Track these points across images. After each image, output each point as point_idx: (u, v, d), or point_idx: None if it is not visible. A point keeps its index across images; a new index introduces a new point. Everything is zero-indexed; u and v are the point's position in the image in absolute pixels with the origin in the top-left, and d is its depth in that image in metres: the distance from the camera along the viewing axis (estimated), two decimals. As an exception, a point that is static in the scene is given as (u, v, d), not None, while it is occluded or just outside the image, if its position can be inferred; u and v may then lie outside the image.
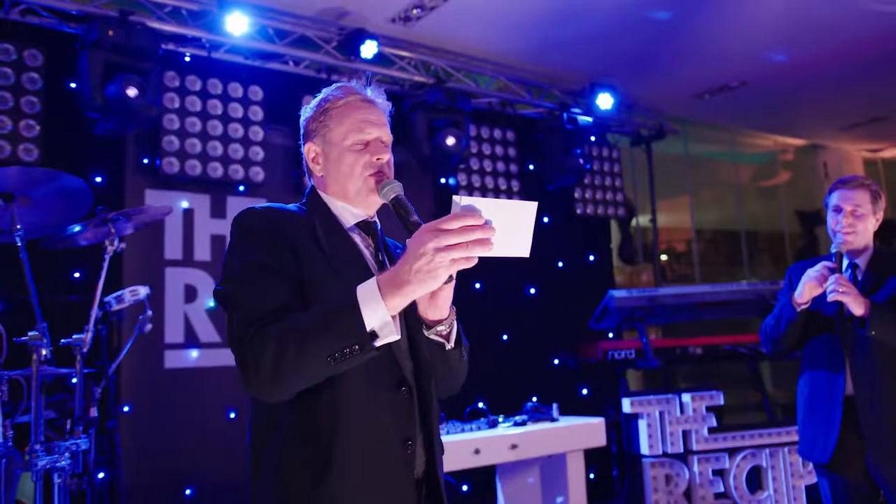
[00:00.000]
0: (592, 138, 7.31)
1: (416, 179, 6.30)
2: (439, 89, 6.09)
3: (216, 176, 5.26)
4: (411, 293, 1.53)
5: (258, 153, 5.45)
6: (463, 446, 4.16)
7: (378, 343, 1.56)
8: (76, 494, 3.78)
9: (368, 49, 5.65)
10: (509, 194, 6.75)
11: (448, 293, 1.70)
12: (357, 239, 1.88)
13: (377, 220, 1.94)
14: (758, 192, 10.33)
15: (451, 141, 5.97)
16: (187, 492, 4.92)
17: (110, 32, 4.64)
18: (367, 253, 1.88)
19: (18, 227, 3.15)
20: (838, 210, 3.22)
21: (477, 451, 4.16)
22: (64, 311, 4.11)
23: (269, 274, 1.70)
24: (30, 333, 3.09)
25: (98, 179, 4.86)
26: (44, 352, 3.14)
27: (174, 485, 4.88)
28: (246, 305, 1.66)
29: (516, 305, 6.67)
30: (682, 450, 5.03)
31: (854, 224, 3.19)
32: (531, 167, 6.99)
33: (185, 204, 5.27)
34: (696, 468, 5.01)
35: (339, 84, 1.98)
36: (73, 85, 4.83)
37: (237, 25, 5.17)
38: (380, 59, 5.88)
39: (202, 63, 5.36)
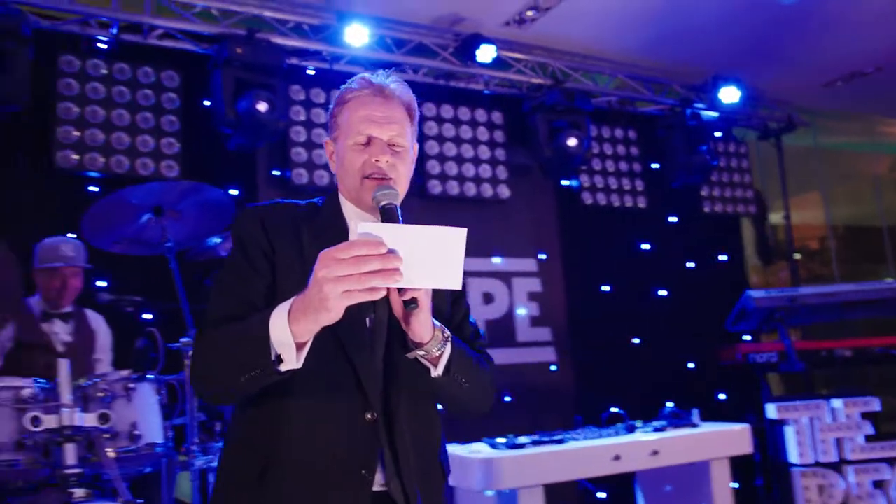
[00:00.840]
0: (718, 134, 7.03)
1: (538, 182, 6.22)
2: (558, 90, 5.99)
3: (342, 186, 5.33)
4: (314, 321, 1.44)
5: (382, 161, 5.50)
6: (601, 452, 4.03)
7: (282, 368, 1.49)
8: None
9: (485, 53, 5.62)
10: (633, 194, 6.57)
11: (420, 318, 1.55)
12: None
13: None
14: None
15: (572, 142, 5.86)
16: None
17: (238, 50, 4.80)
18: None
19: (169, 239, 3.26)
20: None
21: (617, 458, 4.02)
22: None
23: (236, 279, 1.69)
24: (182, 340, 3.20)
25: (234, 192, 5.02)
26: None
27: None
28: (211, 307, 1.69)
29: (646, 308, 6.47)
30: (836, 459, 4.72)
31: None
32: (654, 166, 6.78)
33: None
34: (852, 479, 4.69)
35: (359, 76, 1.87)
36: (206, 103, 5.02)
37: (356, 37, 5.25)
38: (497, 62, 5.83)
39: (325, 75, 5.47)
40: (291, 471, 1.64)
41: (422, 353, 1.61)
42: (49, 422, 2.69)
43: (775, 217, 7.68)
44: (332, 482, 1.64)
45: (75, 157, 4.54)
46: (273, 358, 1.48)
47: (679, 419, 4.58)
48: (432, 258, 1.43)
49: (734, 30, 6.00)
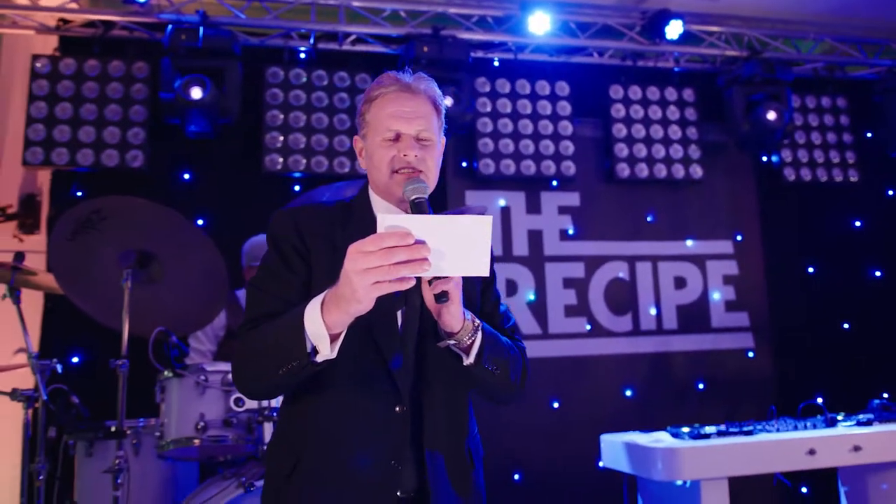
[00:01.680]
0: (945, 94, 6.33)
1: (734, 160, 5.97)
2: (755, 61, 5.68)
3: (529, 173, 5.45)
4: (346, 312, 1.49)
5: (568, 147, 5.55)
6: (795, 445, 3.84)
7: (318, 359, 1.55)
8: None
9: (674, 29, 5.45)
10: (843, 167, 6.09)
11: (452, 309, 1.61)
12: None
13: None
14: None
15: (772, 115, 5.54)
16: (516, 476, 5.16)
17: (425, 49, 5.03)
18: None
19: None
20: None
21: (812, 452, 3.82)
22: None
23: (274, 279, 1.76)
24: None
25: (423, 185, 5.28)
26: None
27: (501, 471, 5.14)
28: (249, 307, 1.78)
29: (859, 290, 6.02)
30: None
31: None
32: (869, 135, 6.24)
33: (502, 202, 5.52)
34: None
35: (385, 74, 1.91)
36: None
37: (540, 24, 5.30)
38: (686, 37, 5.63)
39: (510, 66, 5.59)
40: (320, 467, 1.72)
41: (453, 342, 1.67)
42: (250, 403, 3.04)
43: None
44: (361, 475, 1.70)
45: (281, 160, 5.00)
46: (309, 349, 1.55)
47: (889, 412, 4.25)
48: (459, 247, 1.46)
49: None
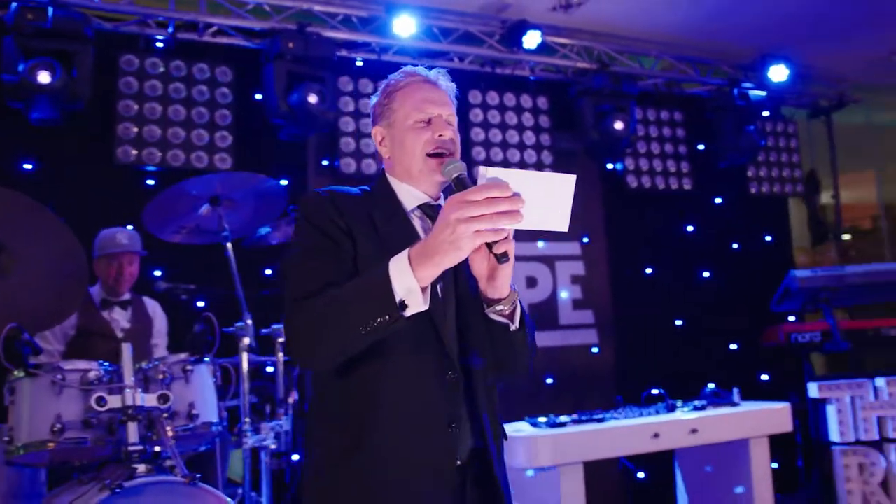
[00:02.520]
0: (766, 113, 7.00)
1: (583, 167, 6.30)
2: (603, 74, 6.06)
3: (391, 173, 5.51)
4: (439, 263, 1.53)
5: (428, 149, 5.65)
6: (641, 430, 4.15)
7: (407, 313, 1.56)
8: (276, 473, 4.13)
9: (531, 39, 5.70)
10: (678, 176, 6.60)
11: (506, 272, 1.68)
12: (417, 223, 1.87)
13: (442, 203, 1.85)
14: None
15: (619, 125, 5.92)
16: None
17: (290, 45, 4.99)
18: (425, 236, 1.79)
19: (225, 227, 3.47)
20: None
21: (656, 436, 4.14)
22: (259, 305, 4.46)
23: (321, 254, 1.75)
24: (237, 325, 3.41)
25: (284, 182, 5.22)
26: (245, 340, 3.45)
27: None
28: (298, 282, 1.73)
29: (691, 290, 6.54)
30: (877, 437, 4.76)
31: None
32: (701, 147, 6.79)
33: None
34: (894, 457, 4.72)
35: (402, 69, 1.99)
36: (258, 96, 5.23)
37: (405, 27, 5.39)
38: (542, 48, 5.92)
39: (373, 66, 5.63)
40: (382, 439, 1.72)
41: (501, 307, 1.73)
42: (113, 402, 2.89)
43: (825, 196, 7.61)
44: (424, 440, 1.73)
45: (134, 151, 4.80)
46: (398, 303, 1.55)
47: (719, 398, 4.67)
48: (545, 202, 1.54)
49: (784, 6, 5.95)
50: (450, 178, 1.71)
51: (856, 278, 5.27)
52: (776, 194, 7.03)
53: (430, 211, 1.88)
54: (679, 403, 4.58)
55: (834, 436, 4.79)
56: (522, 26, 5.67)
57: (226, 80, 5.14)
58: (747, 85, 6.75)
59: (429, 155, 1.84)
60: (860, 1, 5.95)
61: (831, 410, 4.81)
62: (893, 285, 5.43)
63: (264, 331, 3.72)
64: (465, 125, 5.88)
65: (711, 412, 4.44)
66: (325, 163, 5.47)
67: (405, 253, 1.57)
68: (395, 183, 1.91)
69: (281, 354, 3.70)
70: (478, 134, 5.87)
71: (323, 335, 1.64)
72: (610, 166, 6.45)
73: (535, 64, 6.13)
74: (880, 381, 4.81)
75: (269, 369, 4.24)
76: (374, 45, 5.58)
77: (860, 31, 6.50)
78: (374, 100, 1.99)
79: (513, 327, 1.77)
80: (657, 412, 4.44)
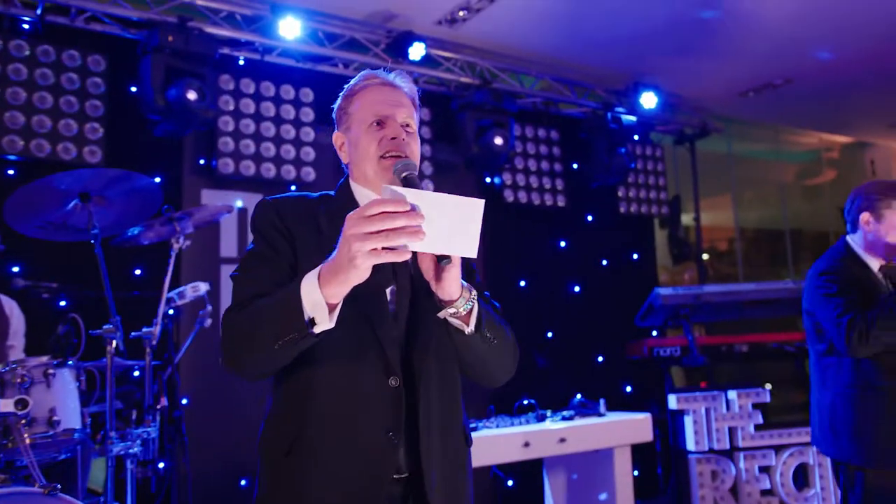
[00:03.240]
0: (636, 137, 7.34)
1: (462, 178, 6.40)
2: (485, 90, 6.18)
3: (269, 176, 5.41)
4: (344, 281, 1.50)
5: (309, 153, 5.59)
6: (512, 440, 4.25)
7: (315, 330, 1.55)
8: (140, 482, 3.95)
9: (416, 51, 5.76)
10: (553, 193, 6.82)
11: (452, 273, 1.60)
12: None
13: None
14: (802, 191, 10.25)
15: (499, 141, 6.06)
16: (242, 482, 5.07)
17: (170, 38, 4.81)
18: None
19: (95, 225, 3.30)
20: None
21: (527, 444, 4.24)
22: (127, 306, 4.27)
23: (261, 262, 1.76)
24: (104, 327, 3.25)
25: (157, 180, 5.03)
26: (112, 344, 3.28)
27: (230, 476, 5.03)
28: (234, 291, 1.76)
29: (561, 304, 6.75)
30: (728, 446, 5.07)
31: None
32: (575, 166, 7.05)
33: (239, 203, 5.42)
34: (742, 465, 5.04)
35: (363, 72, 1.96)
36: (133, 89, 5.02)
37: (290, 29, 5.32)
38: (427, 60, 5.99)
39: (256, 66, 5.52)
40: (318, 443, 1.71)
41: (452, 310, 1.65)
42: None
43: (686, 218, 8.07)
44: (360, 447, 1.70)
45: (-7, 139, 4.50)
46: (306, 320, 1.54)
47: (586, 409, 4.84)
48: (451, 225, 1.47)
49: (657, 39, 6.29)
50: (398, 176, 1.69)
51: (713, 297, 5.61)
52: (643, 215, 7.38)
53: None
54: (549, 413, 4.72)
55: (690, 445, 5.07)
56: (408, 37, 5.72)
57: (98, 70, 4.90)
58: (620, 109, 7.07)
59: (382, 157, 1.83)
60: (724, 40, 6.38)
61: (688, 421, 5.08)
62: (746, 305, 5.82)
63: (134, 334, 3.56)
64: (347, 132, 5.84)
65: (579, 422, 4.60)
66: (201, 162, 5.30)
67: (318, 269, 1.55)
68: (355, 188, 1.90)
69: (149, 358, 3.55)
70: (360, 141, 5.84)
71: (244, 347, 1.64)
72: (488, 180, 6.58)
73: (418, 75, 6.19)
74: (732, 394, 5.13)
75: (136, 374, 4.07)
76: (257, 44, 5.47)
77: (723, 67, 6.97)
78: (335, 105, 1.99)
79: (467, 330, 1.69)
80: (528, 422, 4.55)
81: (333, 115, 1.99)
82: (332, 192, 1.93)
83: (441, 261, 1.56)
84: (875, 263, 3.17)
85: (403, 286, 1.81)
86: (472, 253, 1.51)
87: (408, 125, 1.87)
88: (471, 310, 1.67)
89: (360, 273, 1.49)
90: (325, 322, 1.55)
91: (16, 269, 4.43)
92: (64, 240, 3.61)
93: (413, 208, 1.43)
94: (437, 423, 1.79)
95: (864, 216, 3.18)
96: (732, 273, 9.11)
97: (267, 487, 1.79)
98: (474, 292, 1.68)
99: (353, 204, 1.82)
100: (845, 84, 7.45)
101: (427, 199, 1.45)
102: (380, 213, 1.43)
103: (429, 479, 1.74)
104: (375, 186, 1.84)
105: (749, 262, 9.17)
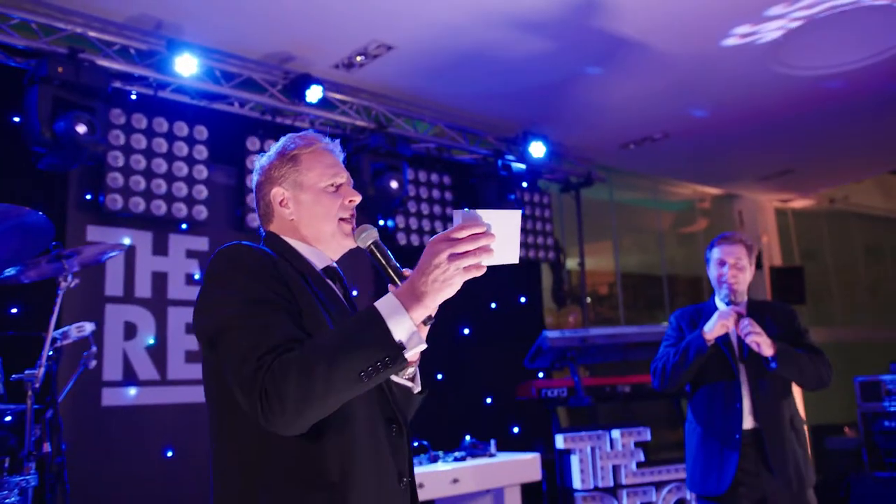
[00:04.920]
0: (525, 184, 7.59)
1: (357, 221, 6.42)
2: (380, 134, 6.29)
3: (159, 213, 5.29)
4: (431, 303, 1.58)
5: (202, 191, 5.51)
6: (406, 481, 4.26)
7: (408, 354, 1.56)
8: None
9: (313, 94, 5.80)
10: (446, 236, 6.93)
11: (424, 333, 1.67)
12: (328, 282, 1.90)
13: (338, 266, 1.97)
14: (678, 238, 10.84)
15: (394, 184, 6.16)
16: (123, 531, 4.86)
17: (60, 69, 4.69)
18: (340, 295, 1.90)
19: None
20: (722, 263, 3.60)
21: (420, 486, 4.27)
22: (3, 346, 4.06)
23: (272, 308, 1.66)
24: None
25: (39, 214, 4.82)
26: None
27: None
28: (254, 338, 1.59)
29: (451, 345, 6.85)
30: (612, 483, 5.26)
31: (737, 275, 3.57)
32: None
33: (127, 240, 5.27)
34: (625, 501, 5.23)
35: (300, 133, 2.02)
36: (16, 119, 4.83)
37: (186, 66, 5.26)
38: (323, 103, 6.05)
39: (149, 101, 5.42)
40: (364, 494, 1.70)
41: (411, 370, 1.88)
42: None
43: (571, 263, 8.38)
44: (388, 494, 1.77)
45: None
46: (398, 342, 1.55)
47: (477, 449, 4.92)
48: (500, 238, 1.61)
49: (547, 92, 6.60)
50: (364, 244, 1.81)
51: (598, 339, 5.84)
52: (531, 259, 7.62)
53: (335, 275, 1.95)
54: (441, 454, 4.77)
55: (577, 483, 5.22)
56: (306, 80, 5.77)
57: (-17, 99, 4.71)
58: (510, 157, 7.33)
59: (342, 220, 1.92)
60: (609, 95, 6.75)
61: (574, 460, 5.24)
62: (629, 347, 6.09)
63: (15, 376, 3.39)
64: (241, 171, 5.81)
65: (471, 462, 4.67)
66: (87, 197, 5.14)
67: (391, 296, 1.60)
68: (298, 245, 1.92)
69: (31, 402, 3.38)
70: (252, 180, 5.79)
71: (316, 389, 1.52)
72: (381, 223, 6.65)
73: (315, 117, 6.23)
74: (616, 433, 5.34)
75: (8, 419, 3.85)
76: (151, 79, 5.38)
77: (606, 121, 7.36)
78: (266, 160, 1.99)
79: (416, 389, 1.88)
80: (420, 463, 4.59)
81: (262, 170, 1.98)
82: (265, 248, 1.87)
83: (425, 322, 1.67)
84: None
85: None
86: (516, 259, 1.65)
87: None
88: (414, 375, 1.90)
89: (453, 291, 1.60)
90: (419, 344, 1.57)
91: None
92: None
93: (488, 226, 1.59)
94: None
95: None
96: (614, 316, 9.48)
97: None
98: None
99: (307, 264, 1.87)
100: (718, 139, 8.00)
101: (489, 217, 1.60)
102: (469, 236, 1.57)
103: None
104: (328, 246, 1.93)
105: (628, 306, 9.58)
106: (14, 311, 4.68)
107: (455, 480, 4.43)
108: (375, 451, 1.76)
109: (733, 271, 3.55)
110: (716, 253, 3.64)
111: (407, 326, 1.56)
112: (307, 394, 1.52)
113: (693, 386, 3.66)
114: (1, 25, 4.74)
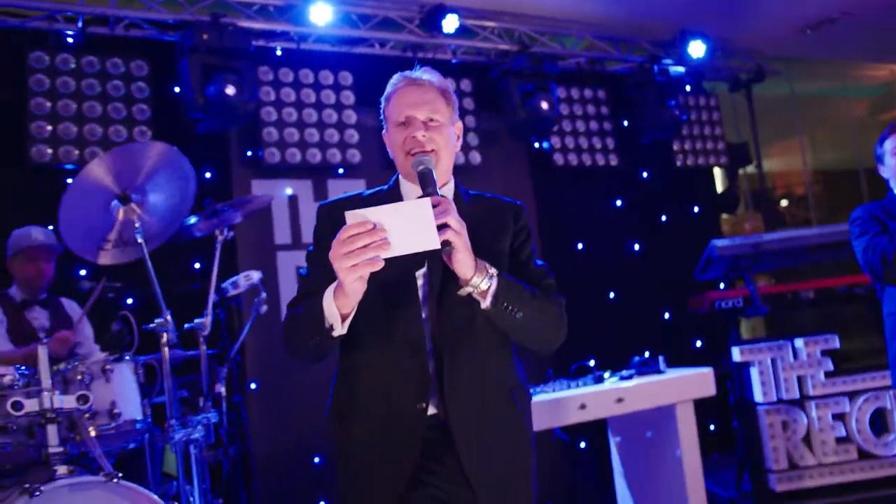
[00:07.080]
0: (687, 88, 7.14)
1: (510, 147, 6.36)
2: (524, 55, 6.10)
3: (315, 161, 5.50)
4: (343, 296, 1.80)
5: (353, 136, 5.65)
6: (569, 402, 4.24)
7: (334, 335, 1.86)
8: (214, 465, 4.12)
9: (450, 23, 5.73)
10: (605, 153, 6.70)
11: (458, 257, 1.81)
12: None
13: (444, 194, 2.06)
14: (878, 127, 9.77)
15: (545, 105, 5.99)
16: (315, 460, 5.22)
17: (205, 36, 4.92)
18: None
19: (137, 225, 3.42)
20: None
21: (583, 406, 4.23)
22: (187, 299, 4.41)
23: (314, 264, 2.05)
24: (157, 321, 3.38)
25: (207, 175, 5.18)
26: (165, 337, 3.40)
27: (302, 454, 5.18)
28: (298, 288, 2.10)
29: (622, 262, 6.67)
30: (798, 396, 4.93)
31: None
32: (625, 123, 6.90)
33: (289, 191, 5.54)
34: (814, 413, 4.90)
35: (397, 74, 2.16)
36: (176, 90, 5.16)
37: (321, 15, 5.37)
38: (462, 31, 5.95)
39: (293, 55, 5.60)
40: (361, 415, 2.04)
41: (469, 288, 1.87)
42: (30, 405, 2.86)
43: (750, 166, 7.81)
44: (394, 416, 1.99)
45: (49, 150, 4.69)
46: (328, 327, 1.85)
47: (646, 367, 4.78)
48: (411, 228, 1.70)
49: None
50: (416, 171, 1.95)
51: (773, 244, 5.42)
52: (701, 166, 7.19)
53: None
54: (607, 374, 4.68)
55: (758, 396, 4.95)
56: (440, 10, 5.69)
57: (142, 75, 5.06)
58: (667, 61, 6.89)
59: (408, 154, 2.03)
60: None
61: (754, 372, 4.96)
62: (812, 249, 5.60)
63: (187, 326, 3.68)
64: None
65: (637, 381, 4.55)
66: (248, 154, 5.43)
67: (334, 284, 1.83)
68: (402, 182, 2.14)
69: (203, 348, 3.68)
70: (403, 119, 5.86)
71: (292, 341, 2.01)
72: (536, 145, 6.52)
73: (456, 47, 6.16)
74: (799, 342, 4.98)
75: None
76: (292, 33, 5.54)
77: (774, 6, 6.68)
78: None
79: (483, 304, 1.90)
80: (585, 384, 4.53)
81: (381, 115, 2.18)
82: (384, 188, 2.17)
83: (443, 248, 1.76)
84: None
85: (435, 269, 2.01)
86: (435, 245, 1.72)
87: (431, 119, 2.05)
88: (488, 287, 1.87)
89: (353, 287, 1.76)
90: (339, 329, 1.86)
91: (83, 272, 4.64)
92: (124, 261, 3.67)
93: (375, 226, 1.68)
94: (467, 385, 2.00)
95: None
96: (809, 217, 8.79)
97: (335, 445, 2.13)
98: (493, 271, 1.88)
99: (399, 198, 2.09)
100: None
101: (383, 213, 1.70)
102: (349, 237, 1.70)
103: (456, 429, 1.98)
104: (410, 177, 2.07)
105: (822, 206, 8.82)
106: (197, 265, 5.07)
107: (620, 400, 4.33)
108: (383, 376, 2.01)
109: None
110: (890, 144, 3.27)
111: (331, 313, 1.84)
112: (289, 344, 2.03)
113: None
114: (150, 3, 5.05)
